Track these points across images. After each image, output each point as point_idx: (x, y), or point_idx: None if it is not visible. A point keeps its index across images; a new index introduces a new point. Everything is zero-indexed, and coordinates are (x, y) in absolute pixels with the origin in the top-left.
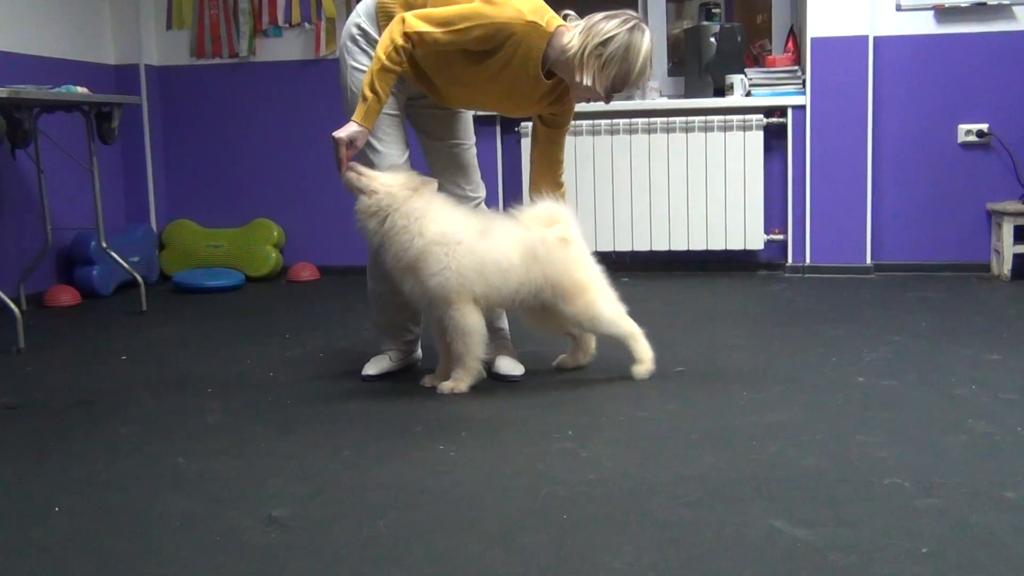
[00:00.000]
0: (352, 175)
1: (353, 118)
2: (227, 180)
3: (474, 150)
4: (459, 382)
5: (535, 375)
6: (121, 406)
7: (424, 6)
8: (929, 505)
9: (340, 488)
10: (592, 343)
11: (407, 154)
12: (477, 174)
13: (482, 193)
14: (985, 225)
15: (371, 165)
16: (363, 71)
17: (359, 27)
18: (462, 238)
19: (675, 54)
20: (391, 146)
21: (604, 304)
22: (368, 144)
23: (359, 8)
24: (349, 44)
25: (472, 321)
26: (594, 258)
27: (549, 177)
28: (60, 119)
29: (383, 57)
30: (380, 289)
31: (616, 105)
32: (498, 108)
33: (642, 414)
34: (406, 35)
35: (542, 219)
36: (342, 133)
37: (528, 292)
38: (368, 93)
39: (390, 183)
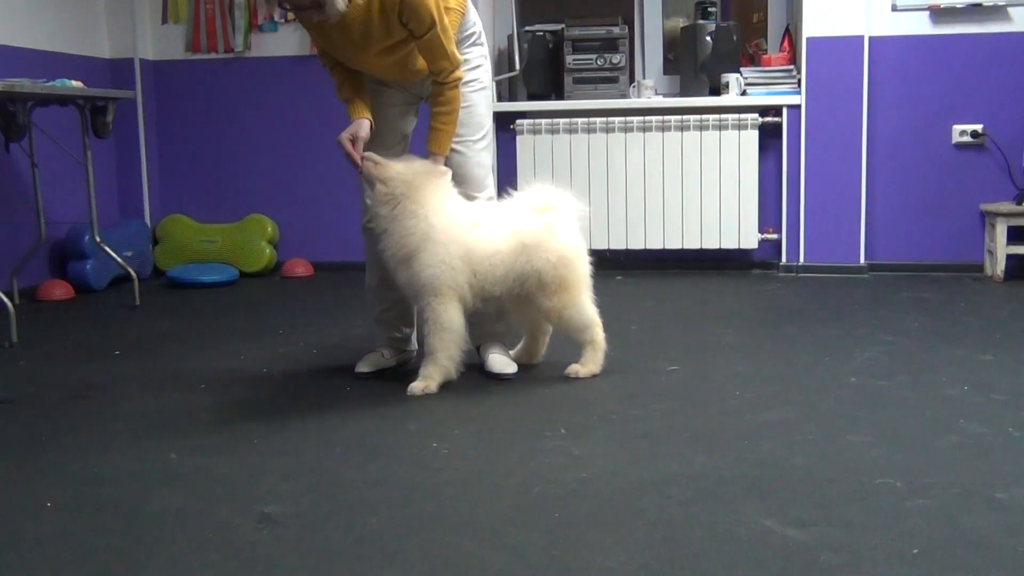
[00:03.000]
0: (369, 164)
1: None
2: (221, 175)
3: (476, 147)
4: (429, 381)
5: (528, 374)
6: (114, 401)
7: None
8: (920, 505)
9: (332, 485)
10: (544, 345)
11: (400, 144)
12: (479, 170)
13: (482, 195)
14: (979, 225)
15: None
16: None
17: None
18: (456, 233)
19: (671, 52)
20: (382, 135)
21: (579, 305)
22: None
23: None
24: None
25: (452, 318)
26: (587, 255)
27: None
28: (54, 113)
29: None
30: (374, 284)
31: (612, 103)
32: (360, 61)
33: (634, 413)
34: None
35: (537, 205)
36: (343, 132)
37: (515, 280)
38: None
39: (404, 171)
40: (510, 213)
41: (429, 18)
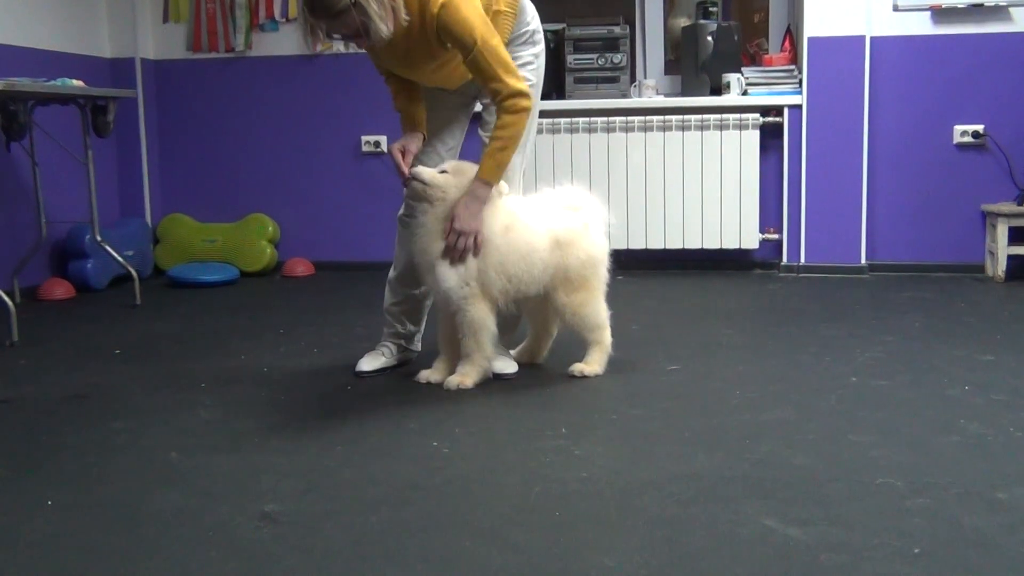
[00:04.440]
0: (417, 185)
1: None
2: (222, 175)
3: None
4: (465, 377)
5: (528, 373)
6: (114, 400)
7: None
8: (921, 505)
9: (333, 484)
10: (547, 346)
11: (450, 146)
12: (509, 171)
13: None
14: (980, 226)
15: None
16: None
17: None
18: (489, 237)
19: (672, 52)
20: (439, 133)
21: (595, 304)
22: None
23: None
24: None
25: (483, 317)
26: (609, 257)
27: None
28: (55, 112)
29: None
30: (395, 276)
31: (614, 103)
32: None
33: (635, 412)
34: None
35: (571, 203)
36: (395, 143)
37: (549, 277)
38: None
39: (451, 184)
40: (543, 210)
41: (469, 39)
